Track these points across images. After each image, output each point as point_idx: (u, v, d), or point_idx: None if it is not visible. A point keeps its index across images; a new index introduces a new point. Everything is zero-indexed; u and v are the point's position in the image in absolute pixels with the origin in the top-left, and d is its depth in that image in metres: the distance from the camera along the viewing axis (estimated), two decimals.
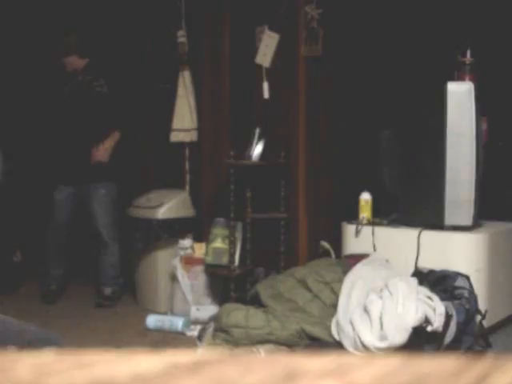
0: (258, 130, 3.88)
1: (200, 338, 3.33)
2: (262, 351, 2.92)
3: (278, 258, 3.90)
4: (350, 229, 3.61)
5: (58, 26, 4.60)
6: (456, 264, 3.18)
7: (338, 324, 2.98)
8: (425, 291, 2.88)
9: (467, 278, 3.10)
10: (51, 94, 4.47)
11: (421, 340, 2.77)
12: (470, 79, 3.58)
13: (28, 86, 5.18)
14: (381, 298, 2.85)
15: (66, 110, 4.35)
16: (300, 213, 4.04)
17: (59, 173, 4.39)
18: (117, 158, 4.35)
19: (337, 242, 3.74)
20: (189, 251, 4.10)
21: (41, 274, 4.62)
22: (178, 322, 3.77)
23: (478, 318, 3.11)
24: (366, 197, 3.65)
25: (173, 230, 4.24)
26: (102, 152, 4.29)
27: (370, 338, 2.78)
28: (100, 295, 4.43)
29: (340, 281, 3.19)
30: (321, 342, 3.01)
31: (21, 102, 5.46)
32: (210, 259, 3.99)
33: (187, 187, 4.58)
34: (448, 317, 2.82)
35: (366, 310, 2.87)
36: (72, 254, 4.51)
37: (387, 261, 3.34)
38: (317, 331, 3.05)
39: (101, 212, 4.34)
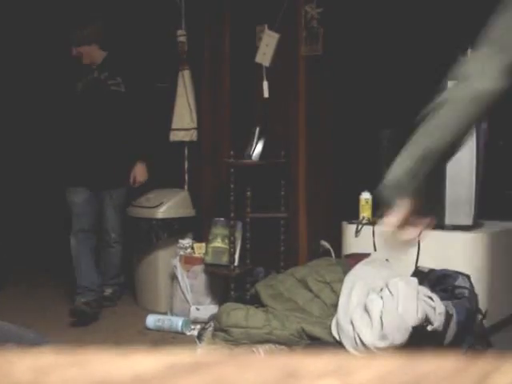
0: (257, 130, 3.88)
1: (200, 337, 3.33)
2: (261, 351, 2.92)
3: (277, 257, 3.90)
4: (350, 228, 3.61)
5: (74, 17, 4.42)
6: (456, 263, 3.17)
7: (338, 324, 2.98)
8: (425, 291, 2.88)
9: (468, 277, 3.10)
10: (64, 90, 4.24)
11: (421, 340, 2.77)
12: None
13: (41, 81, 5.14)
14: (381, 297, 2.85)
15: (79, 108, 4.10)
16: (300, 213, 4.04)
17: (73, 174, 4.14)
18: (130, 164, 4.21)
19: (337, 241, 3.74)
20: (188, 251, 4.10)
21: (68, 286, 4.48)
22: (178, 322, 3.77)
23: (479, 317, 3.11)
24: (366, 196, 3.65)
25: (172, 230, 4.23)
26: (142, 174, 4.23)
27: (371, 338, 2.78)
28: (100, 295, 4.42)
29: (340, 281, 3.19)
30: (321, 342, 3.01)
31: (31, 97, 5.44)
32: (209, 259, 3.99)
33: (186, 187, 4.58)
34: (448, 316, 2.82)
35: (366, 310, 2.87)
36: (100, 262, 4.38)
37: (387, 260, 3.34)
38: (317, 331, 3.05)
39: (112, 216, 4.26)
